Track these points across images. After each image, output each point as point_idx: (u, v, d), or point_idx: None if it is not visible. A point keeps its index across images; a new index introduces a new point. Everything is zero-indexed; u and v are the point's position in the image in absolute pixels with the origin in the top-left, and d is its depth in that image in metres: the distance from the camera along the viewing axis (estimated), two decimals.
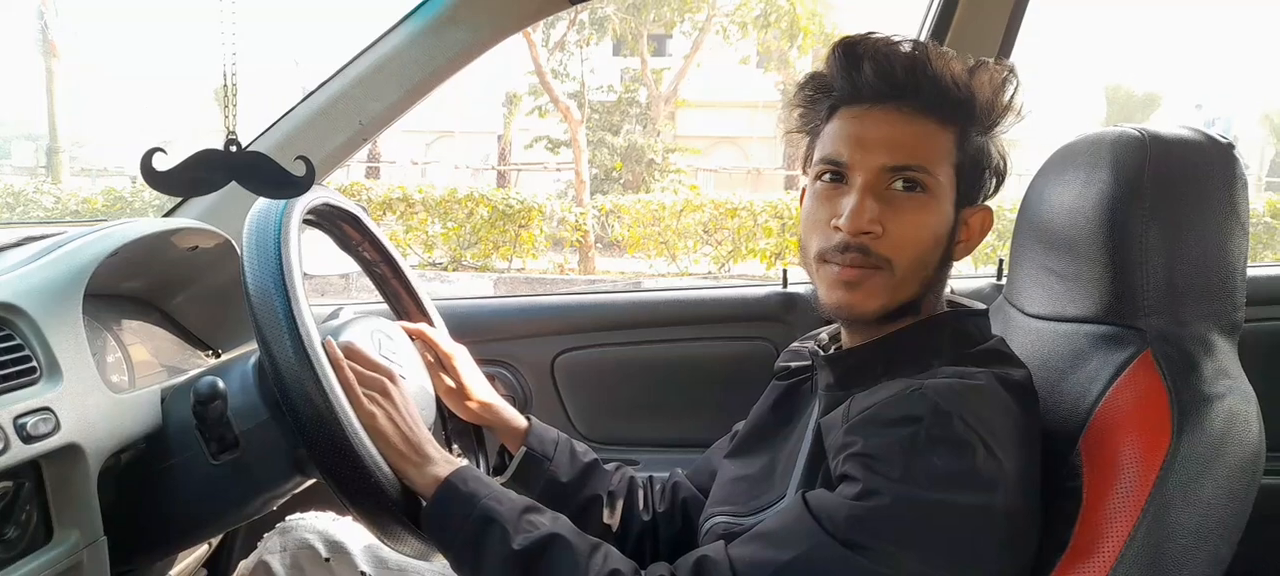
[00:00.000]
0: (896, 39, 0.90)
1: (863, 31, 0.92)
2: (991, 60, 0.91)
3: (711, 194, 9.20)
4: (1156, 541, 0.78)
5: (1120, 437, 0.82)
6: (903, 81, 0.88)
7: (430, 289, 1.25)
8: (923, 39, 0.92)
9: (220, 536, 1.30)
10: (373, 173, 13.04)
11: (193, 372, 1.07)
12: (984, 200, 0.95)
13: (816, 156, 0.93)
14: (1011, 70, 0.91)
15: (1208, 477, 0.79)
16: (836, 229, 0.88)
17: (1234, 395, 0.82)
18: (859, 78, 0.89)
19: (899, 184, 0.88)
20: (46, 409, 0.83)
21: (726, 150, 16.39)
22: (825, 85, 0.94)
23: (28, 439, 0.80)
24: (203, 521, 1.02)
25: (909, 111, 0.88)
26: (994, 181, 0.95)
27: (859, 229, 0.86)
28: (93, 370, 0.92)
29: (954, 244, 0.92)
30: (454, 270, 8.68)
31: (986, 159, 0.92)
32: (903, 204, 0.87)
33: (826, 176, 0.91)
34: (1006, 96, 0.91)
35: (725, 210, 8.55)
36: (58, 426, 0.84)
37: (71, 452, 0.86)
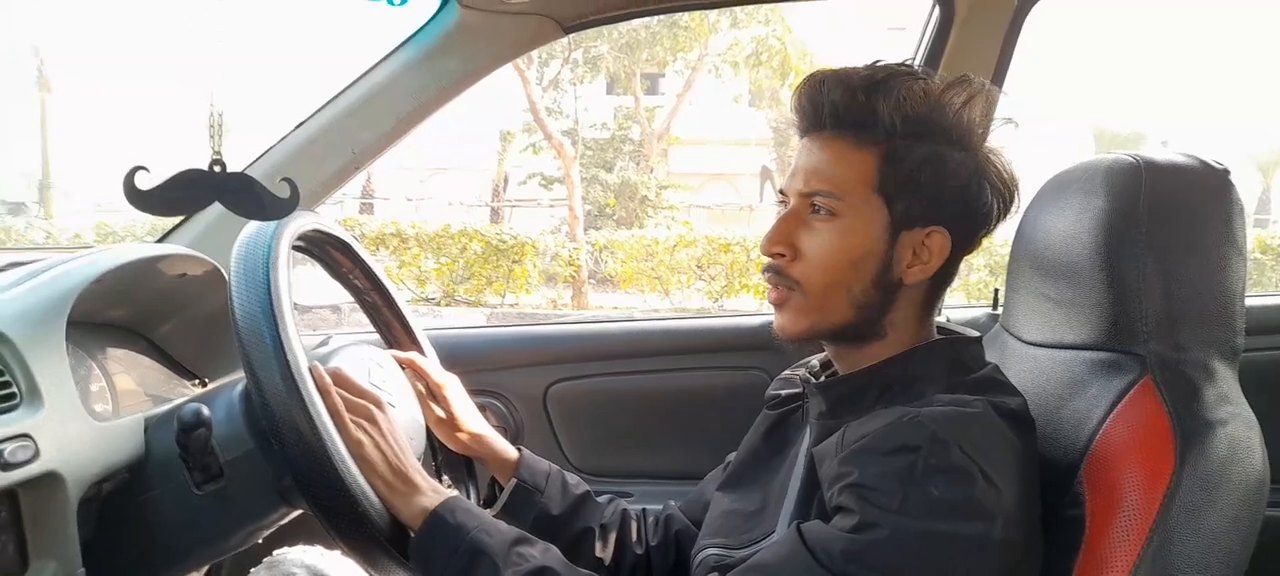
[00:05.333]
0: (848, 68, 0.90)
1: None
2: (917, 72, 0.89)
3: (704, 230, 9.23)
4: (1161, 571, 0.76)
5: (1122, 465, 0.80)
6: (809, 110, 0.91)
7: (422, 322, 1.24)
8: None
9: (204, 569, 1.27)
10: (367, 209, 13.05)
11: (178, 401, 1.05)
12: (982, 225, 0.91)
13: None
14: (966, 78, 0.88)
15: (1212, 505, 0.78)
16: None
17: (1237, 421, 0.81)
18: (798, 109, 0.93)
19: (815, 207, 0.90)
20: (26, 436, 0.81)
21: (719, 187, 16.47)
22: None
23: (5, 466, 0.79)
24: (185, 554, 1.00)
25: (828, 136, 0.90)
26: (990, 200, 0.89)
27: (764, 249, 0.92)
28: (75, 397, 0.90)
29: (896, 269, 0.89)
30: (447, 305, 8.65)
31: (939, 176, 0.87)
32: (816, 227, 0.90)
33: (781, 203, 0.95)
34: (955, 105, 0.87)
35: (718, 246, 8.57)
36: (37, 454, 0.82)
37: (50, 481, 0.83)
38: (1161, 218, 0.85)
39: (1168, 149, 0.92)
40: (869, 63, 0.90)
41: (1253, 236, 8.54)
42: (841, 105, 0.88)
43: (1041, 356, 0.98)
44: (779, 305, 0.92)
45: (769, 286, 0.93)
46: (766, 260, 0.92)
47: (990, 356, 0.95)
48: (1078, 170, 0.96)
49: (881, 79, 0.88)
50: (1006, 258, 1.07)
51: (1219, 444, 0.79)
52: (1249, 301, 0.89)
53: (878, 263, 0.88)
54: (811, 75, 0.92)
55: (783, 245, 0.90)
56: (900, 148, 0.87)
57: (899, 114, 0.87)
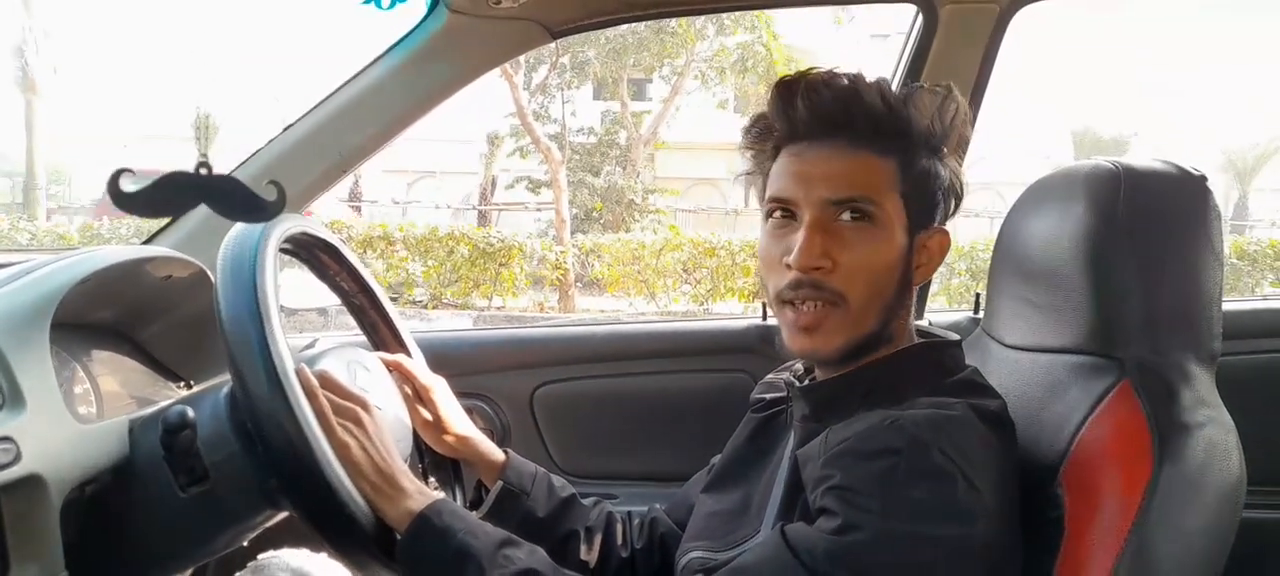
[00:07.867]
0: (834, 73, 0.91)
1: (802, 70, 0.93)
2: (926, 85, 0.92)
3: (690, 233, 9.24)
4: (1140, 572, 0.77)
5: (1101, 468, 0.82)
6: (836, 116, 0.89)
7: (409, 326, 1.24)
8: (895, 80, 0.93)
9: (189, 573, 1.27)
10: (354, 211, 13.01)
11: (163, 404, 1.04)
12: (942, 221, 0.94)
13: (767, 195, 0.94)
14: (949, 91, 0.92)
15: (1189, 508, 0.79)
16: (788, 267, 0.88)
17: (1214, 425, 0.82)
18: (795, 115, 0.91)
19: (846, 215, 0.88)
20: (7, 438, 0.81)
21: (705, 191, 16.51)
22: (768, 126, 0.95)
23: None
24: (170, 557, 0.99)
25: (845, 144, 0.89)
26: (952, 202, 0.94)
27: (808, 265, 0.87)
28: (58, 399, 0.89)
29: (912, 270, 0.92)
30: (434, 308, 8.62)
31: (936, 182, 0.92)
32: (851, 235, 0.88)
33: (777, 213, 0.92)
34: (947, 118, 0.91)
35: (704, 249, 8.58)
36: (19, 456, 0.81)
37: (32, 484, 0.83)
38: (1140, 223, 0.87)
39: (1147, 155, 0.93)
40: (852, 71, 0.91)
41: (1229, 242, 8.62)
42: (879, 116, 0.89)
43: (1022, 360, 1.00)
44: (814, 327, 0.89)
45: (798, 308, 0.89)
46: (797, 277, 0.88)
47: (972, 360, 0.96)
48: (1058, 176, 0.97)
49: (909, 95, 0.91)
50: (988, 262, 1.09)
51: (1196, 447, 0.80)
52: (1226, 306, 0.91)
53: (903, 266, 0.91)
54: (828, 79, 0.90)
55: (825, 257, 0.87)
56: (914, 154, 0.90)
57: (929, 126, 0.90)
